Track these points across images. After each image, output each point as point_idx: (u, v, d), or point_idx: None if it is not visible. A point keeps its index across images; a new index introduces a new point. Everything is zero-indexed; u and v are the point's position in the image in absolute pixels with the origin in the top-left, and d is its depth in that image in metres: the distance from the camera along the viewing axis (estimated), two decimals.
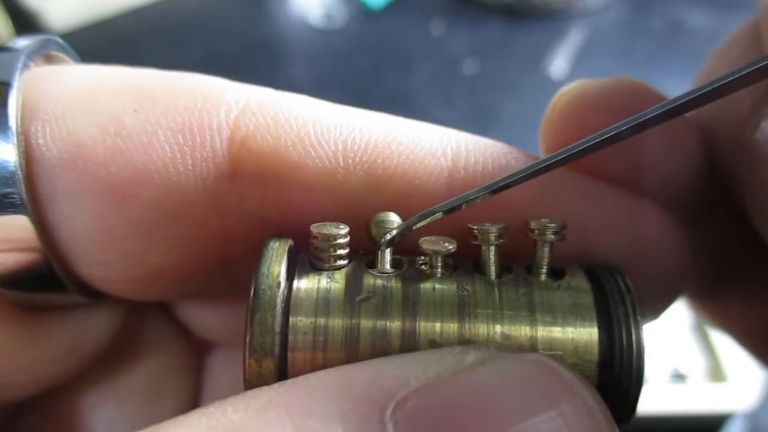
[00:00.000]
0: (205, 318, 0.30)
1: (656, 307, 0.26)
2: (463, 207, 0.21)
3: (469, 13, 1.31)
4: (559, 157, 0.20)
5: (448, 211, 0.21)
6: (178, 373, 0.30)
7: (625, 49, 1.24)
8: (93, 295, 0.24)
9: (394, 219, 0.21)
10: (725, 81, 0.18)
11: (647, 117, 0.19)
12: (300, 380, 0.18)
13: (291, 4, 1.35)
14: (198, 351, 0.32)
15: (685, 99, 0.18)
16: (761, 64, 0.17)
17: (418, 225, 0.21)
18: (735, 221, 0.29)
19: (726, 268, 0.30)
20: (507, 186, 0.20)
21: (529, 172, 0.20)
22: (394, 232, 0.21)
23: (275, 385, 0.18)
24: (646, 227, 0.24)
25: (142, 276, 0.23)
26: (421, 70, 1.21)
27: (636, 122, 0.19)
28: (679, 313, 0.80)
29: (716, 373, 0.78)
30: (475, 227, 0.21)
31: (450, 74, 1.20)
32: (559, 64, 1.19)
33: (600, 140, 0.19)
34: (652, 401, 0.74)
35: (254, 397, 0.17)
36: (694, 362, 0.79)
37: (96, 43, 1.23)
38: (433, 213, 0.21)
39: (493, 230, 0.21)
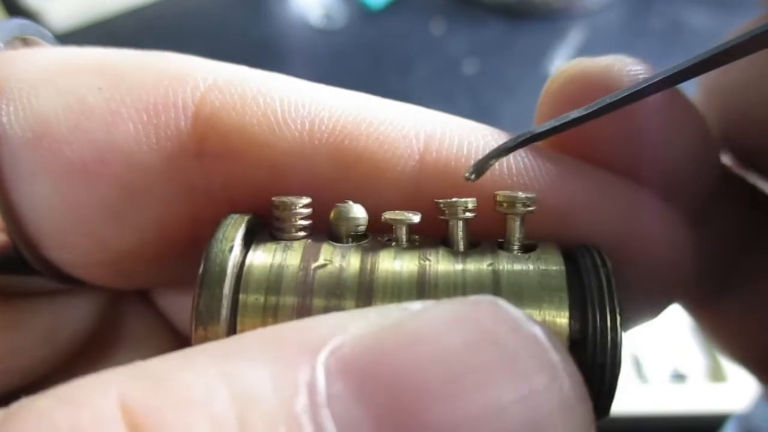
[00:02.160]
0: (186, 311, 0.30)
1: (653, 305, 0.25)
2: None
3: (469, 13, 1.31)
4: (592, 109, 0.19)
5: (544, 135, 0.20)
6: None
7: (625, 49, 1.22)
8: (66, 281, 0.24)
9: (357, 211, 0.20)
10: (724, 48, 0.17)
11: (645, 85, 0.19)
12: (236, 335, 0.17)
13: (291, 4, 1.35)
14: (183, 345, 0.31)
15: (683, 66, 0.18)
16: (761, 31, 0.17)
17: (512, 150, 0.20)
18: (739, 223, 0.28)
19: (726, 275, 0.29)
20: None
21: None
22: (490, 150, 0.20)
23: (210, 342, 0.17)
24: (642, 218, 0.22)
25: (111, 259, 0.23)
26: (421, 70, 1.21)
27: (636, 90, 0.19)
28: (679, 313, 0.80)
29: (716, 373, 0.78)
30: (441, 202, 0.20)
31: (450, 74, 1.20)
32: (559, 64, 1.19)
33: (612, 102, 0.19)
34: (652, 401, 0.74)
35: (183, 350, 0.16)
36: (694, 362, 0.79)
37: (96, 43, 1.22)
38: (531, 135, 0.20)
39: (460, 203, 0.20)
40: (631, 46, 1.25)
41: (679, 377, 0.79)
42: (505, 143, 0.20)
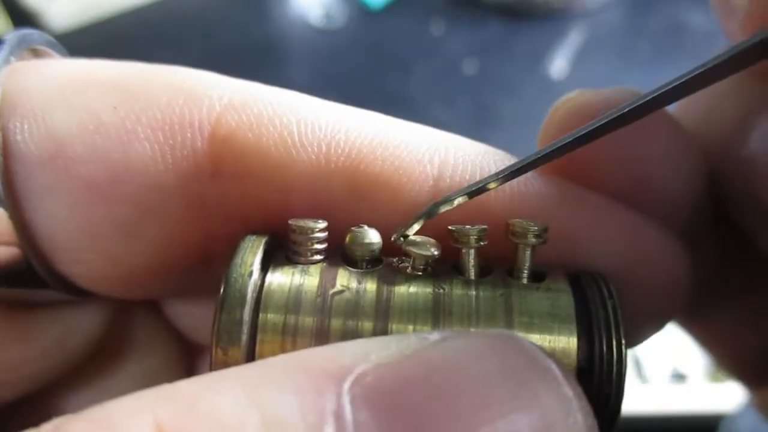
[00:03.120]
0: (195, 320, 0.30)
1: (653, 325, 0.26)
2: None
3: (469, 13, 1.31)
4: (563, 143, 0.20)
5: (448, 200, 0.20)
6: (169, 375, 0.30)
7: (625, 49, 1.24)
8: (76, 292, 0.24)
9: (373, 236, 0.21)
10: (704, 69, 0.18)
11: (635, 106, 0.19)
12: (260, 360, 0.17)
13: (291, 4, 1.35)
14: (190, 354, 0.31)
15: (667, 88, 0.18)
16: (745, 47, 0.17)
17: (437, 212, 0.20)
18: (727, 239, 0.28)
19: (715, 288, 0.30)
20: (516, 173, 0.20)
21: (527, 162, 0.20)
22: (416, 221, 0.20)
23: (235, 366, 0.17)
24: (643, 244, 0.23)
25: (124, 274, 0.23)
26: (421, 70, 1.21)
27: (624, 111, 0.19)
28: None
29: (716, 373, 0.78)
30: (454, 229, 0.21)
31: (450, 74, 1.20)
32: (559, 64, 1.19)
33: (602, 124, 0.19)
34: (652, 401, 0.74)
35: (210, 374, 0.16)
36: (694, 362, 0.79)
37: (96, 43, 1.22)
38: (448, 200, 0.20)
39: (473, 233, 0.20)
40: (631, 46, 1.25)
41: (679, 377, 0.79)
42: (425, 209, 0.21)
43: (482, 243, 0.20)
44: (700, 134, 0.25)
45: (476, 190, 0.20)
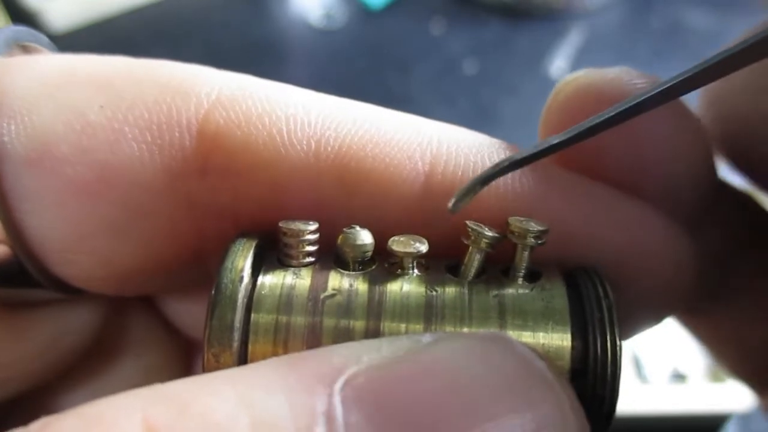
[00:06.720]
0: (190, 316, 0.30)
1: (654, 316, 0.25)
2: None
3: (469, 13, 1.31)
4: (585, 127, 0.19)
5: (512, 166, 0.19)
6: (166, 371, 0.30)
7: (625, 49, 1.24)
8: (69, 291, 0.23)
9: (364, 237, 0.20)
10: (722, 57, 0.17)
11: (646, 96, 0.18)
12: (252, 363, 0.17)
13: (291, 4, 1.35)
14: (186, 350, 0.31)
15: (684, 77, 0.18)
16: (759, 38, 0.17)
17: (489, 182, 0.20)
18: (730, 232, 0.28)
19: (720, 281, 0.29)
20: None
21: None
22: (467, 186, 0.19)
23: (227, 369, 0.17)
24: (647, 235, 0.22)
25: (115, 273, 0.23)
26: (421, 70, 1.21)
27: (637, 101, 0.18)
28: None
29: (716, 373, 0.78)
30: (472, 226, 0.20)
31: (450, 74, 1.20)
32: (559, 64, 1.19)
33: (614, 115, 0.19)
34: (652, 401, 0.74)
35: (201, 375, 0.17)
36: (694, 362, 0.79)
37: (96, 43, 1.23)
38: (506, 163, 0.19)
39: (487, 236, 0.20)
40: (631, 46, 1.25)
41: (679, 377, 0.79)
42: (484, 173, 0.20)
43: (491, 250, 0.20)
44: (737, 115, 0.25)
45: (536, 153, 0.20)
